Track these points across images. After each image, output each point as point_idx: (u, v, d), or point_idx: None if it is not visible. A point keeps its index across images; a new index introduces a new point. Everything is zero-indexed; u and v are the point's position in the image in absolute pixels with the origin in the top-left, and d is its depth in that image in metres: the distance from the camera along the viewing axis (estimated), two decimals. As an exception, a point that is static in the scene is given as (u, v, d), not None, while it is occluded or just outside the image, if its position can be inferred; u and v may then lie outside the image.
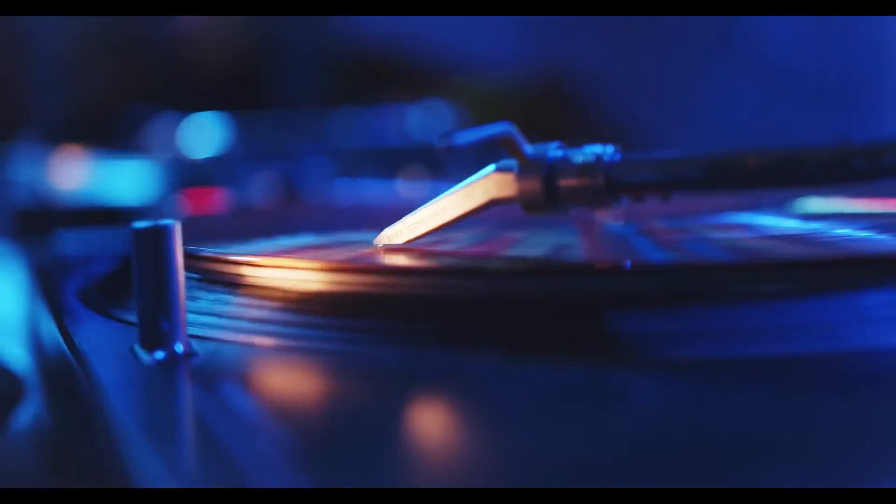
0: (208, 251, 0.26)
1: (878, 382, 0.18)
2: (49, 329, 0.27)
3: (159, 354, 0.20)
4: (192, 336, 0.21)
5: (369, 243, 0.26)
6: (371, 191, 0.54)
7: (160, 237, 0.20)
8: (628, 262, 0.22)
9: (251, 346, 0.22)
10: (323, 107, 0.72)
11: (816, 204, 0.33)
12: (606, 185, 0.25)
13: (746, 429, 0.16)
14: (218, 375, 0.19)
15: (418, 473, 0.14)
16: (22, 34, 1.06)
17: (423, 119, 0.69)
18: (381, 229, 0.26)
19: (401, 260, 0.25)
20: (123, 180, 0.62)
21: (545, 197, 0.25)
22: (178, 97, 1.07)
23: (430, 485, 0.14)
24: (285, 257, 0.24)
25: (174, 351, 0.20)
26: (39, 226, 0.55)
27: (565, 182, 0.25)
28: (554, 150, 0.25)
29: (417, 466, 0.15)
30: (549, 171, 0.25)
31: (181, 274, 0.21)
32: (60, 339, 0.24)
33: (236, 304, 0.24)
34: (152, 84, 1.08)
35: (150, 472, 0.15)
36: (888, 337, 0.20)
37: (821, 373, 0.18)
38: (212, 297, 0.24)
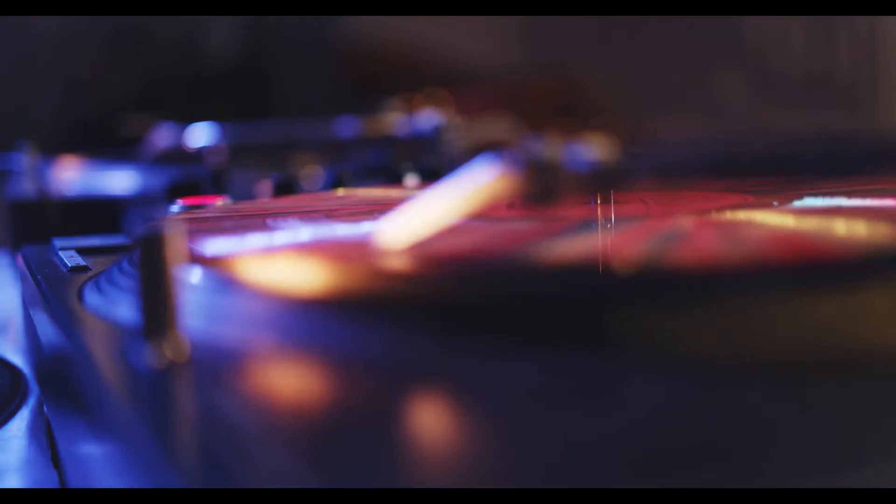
0: (207, 249, 0.26)
1: (879, 380, 0.18)
2: (48, 329, 0.27)
3: (159, 354, 0.20)
4: (190, 335, 0.21)
5: (367, 241, 0.26)
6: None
7: (159, 238, 0.20)
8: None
9: (251, 345, 0.22)
10: (325, 113, 0.72)
11: (813, 200, 0.33)
12: (606, 181, 0.25)
13: (746, 428, 0.16)
14: (217, 375, 0.19)
15: (418, 473, 0.14)
16: (22, 40, 1.06)
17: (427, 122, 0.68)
18: (379, 226, 0.26)
19: (400, 258, 0.25)
20: (122, 188, 0.62)
21: (545, 192, 0.25)
22: (178, 105, 1.07)
23: (430, 485, 0.14)
24: (286, 255, 0.24)
25: (173, 350, 0.20)
26: (38, 227, 0.55)
27: (564, 178, 0.25)
28: (553, 145, 0.25)
29: (417, 466, 0.15)
30: (548, 167, 0.25)
31: (181, 274, 0.21)
32: (60, 339, 0.24)
33: (235, 303, 0.24)
34: (152, 92, 1.08)
35: (150, 472, 0.15)
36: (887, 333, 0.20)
37: (820, 371, 0.18)
38: (211, 296, 0.24)
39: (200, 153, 0.70)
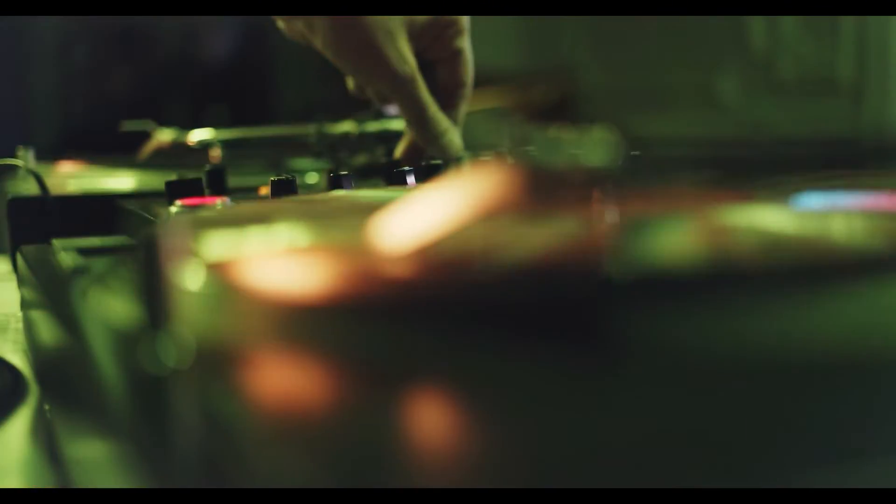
0: (206, 250, 0.26)
1: (880, 381, 0.18)
2: (48, 329, 0.27)
3: (160, 354, 0.20)
4: (190, 336, 0.21)
5: (367, 241, 0.26)
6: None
7: (159, 239, 0.20)
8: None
9: (251, 345, 0.22)
10: (325, 115, 0.72)
11: (815, 200, 0.33)
12: (601, 180, 0.25)
13: (745, 429, 0.16)
14: (217, 376, 0.19)
15: (418, 473, 0.14)
16: (23, 43, 1.06)
17: None
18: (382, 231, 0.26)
19: (400, 259, 0.25)
20: (121, 189, 0.62)
21: (543, 190, 0.25)
22: (178, 106, 1.07)
23: (431, 485, 0.14)
24: (285, 257, 0.24)
25: (174, 351, 0.20)
26: (38, 227, 0.55)
27: (562, 177, 0.25)
28: (550, 145, 0.25)
29: (417, 466, 0.15)
30: (545, 167, 0.25)
31: (182, 277, 0.21)
32: (60, 339, 0.24)
33: (236, 304, 0.24)
34: (153, 93, 1.08)
35: (150, 472, 0.15)
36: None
37: (819, 372, 0.18)
38: (211, 298, 0.24)
39: (200, 154, 0.70)
